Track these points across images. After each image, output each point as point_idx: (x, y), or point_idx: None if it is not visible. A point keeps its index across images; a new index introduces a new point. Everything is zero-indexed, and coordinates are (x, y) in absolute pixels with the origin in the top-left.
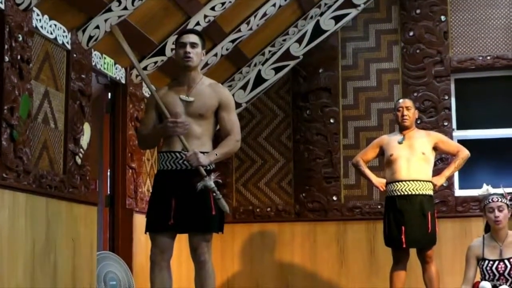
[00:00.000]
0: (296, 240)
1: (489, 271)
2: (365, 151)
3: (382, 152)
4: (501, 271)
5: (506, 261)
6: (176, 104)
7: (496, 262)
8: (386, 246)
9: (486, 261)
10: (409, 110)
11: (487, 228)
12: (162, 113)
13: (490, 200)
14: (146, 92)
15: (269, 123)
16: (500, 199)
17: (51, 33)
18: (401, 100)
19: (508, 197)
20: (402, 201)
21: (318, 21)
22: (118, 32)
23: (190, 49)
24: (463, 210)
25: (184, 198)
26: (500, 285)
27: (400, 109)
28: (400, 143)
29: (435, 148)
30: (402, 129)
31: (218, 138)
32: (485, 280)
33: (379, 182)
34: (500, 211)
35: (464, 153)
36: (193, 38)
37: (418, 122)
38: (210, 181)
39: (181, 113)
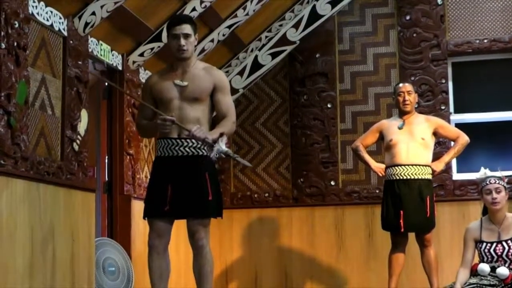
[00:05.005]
0: (294, 225)
1: (487, 253)
2: (364, 136)
3: (381, 137)
4: (499, 253)
5: (504, 243)
6: (171, 89)
7: (494, 244)
8: (384, 230)
9: (484, 243)
10: (410, 94)
11: (485, 211)
12: (157, 100)
13: (487, 182)
14: (142, 78)
15: (266, 108)
16: (497, 181)
17: (47, 20)
18: (401, 84)
19: (506, 180)
20: (401, 185)
21: (314, 6)
22: None
23: (184, 41)
24: (461, 194)
25: (180, 184)
26: (499, 266)
27: (401, 93)
28: (400, 128)
29: (435, 134)
30: (402, 113)
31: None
32: (483, 262)
33: (378, 167)
34: (497, 193)
35: (464, 139)
36: (186, 29)
37: (416, 106)
38: (222, 145)
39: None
